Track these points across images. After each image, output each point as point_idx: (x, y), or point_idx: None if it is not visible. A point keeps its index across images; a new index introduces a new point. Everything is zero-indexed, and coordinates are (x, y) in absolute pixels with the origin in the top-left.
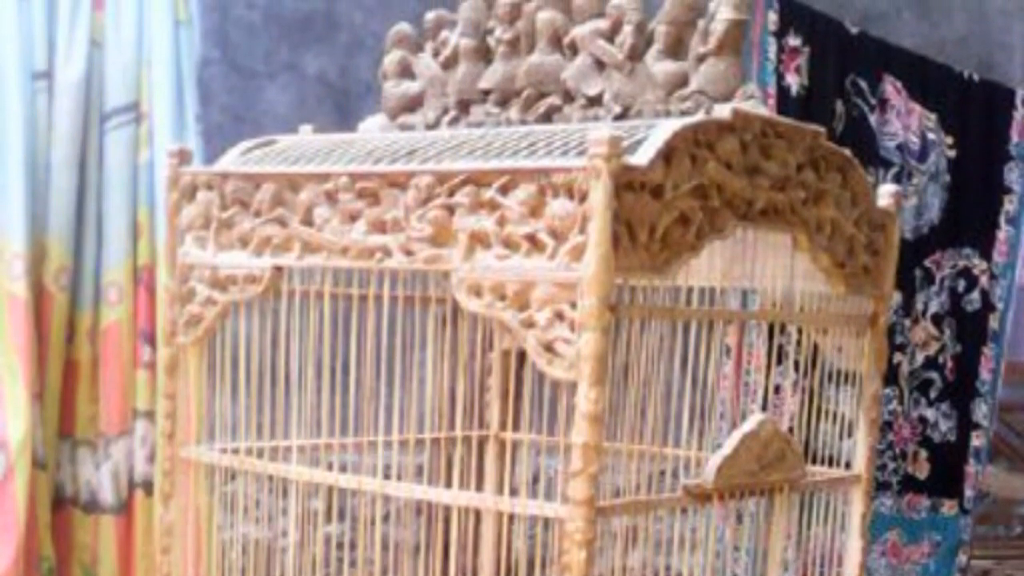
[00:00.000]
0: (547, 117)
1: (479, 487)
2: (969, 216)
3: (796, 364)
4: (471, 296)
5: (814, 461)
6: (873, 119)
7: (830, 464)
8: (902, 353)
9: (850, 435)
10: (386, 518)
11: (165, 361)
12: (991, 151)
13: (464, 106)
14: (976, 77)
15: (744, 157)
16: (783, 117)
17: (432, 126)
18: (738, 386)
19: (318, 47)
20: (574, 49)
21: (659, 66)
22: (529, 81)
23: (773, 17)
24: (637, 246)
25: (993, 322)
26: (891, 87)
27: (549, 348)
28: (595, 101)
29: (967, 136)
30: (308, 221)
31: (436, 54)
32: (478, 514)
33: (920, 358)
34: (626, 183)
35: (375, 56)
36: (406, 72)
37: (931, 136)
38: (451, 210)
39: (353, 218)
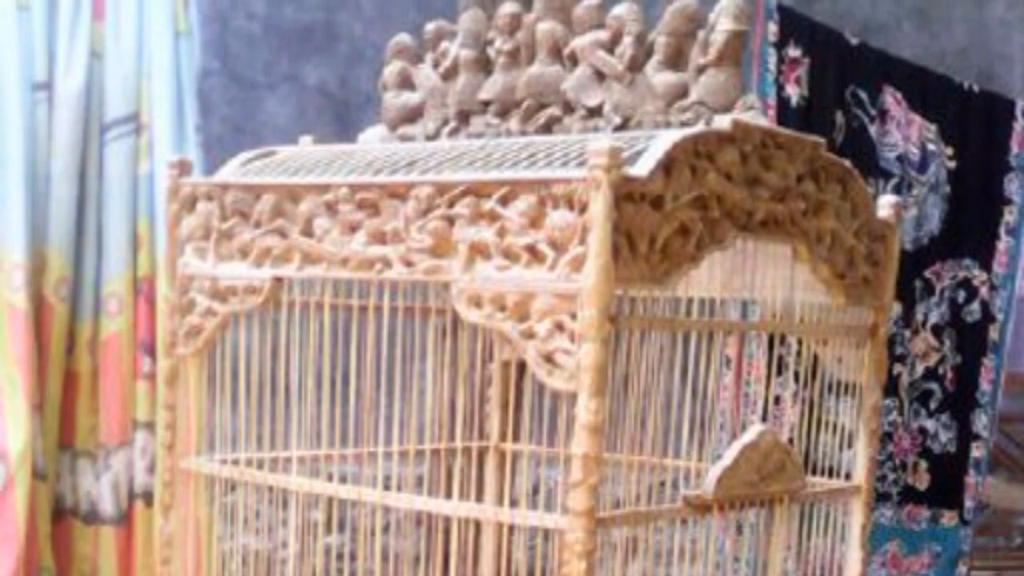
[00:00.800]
0: (547, 128)
1: (479, 498)
2: (969, 227)
3: (796, 375)
4: (471, 307)
5: (814, 472)
6: (873, 130)
7: (830, 475)
8: (902, 364)
9: (850, 446)
10: (386, 529)
11: (165, 372)
12: (991, 162)
13: (464, 117)
14: (976, 88)
15: (744, 168)
16: (783, 128)
17: (432, 137)
18: (738, 397)
19: (318, 58)
20: (574, 60)
21: (659, 77)
22: (529, 92)
23: (773, 28)
24: (637, 257)
25: (993, 333)
26: (891, 98)
27: (549, 359)
28: (595, 112)
29: (967, 147)
30: (308, 232)
31: (436, 65)
32: (478, 525)
33: (920, 369)
34: (626, 194)
35: (375, 67)
36: (406, 83)
37: (931, 147)
38: (451, 221)
39: (353, 229)
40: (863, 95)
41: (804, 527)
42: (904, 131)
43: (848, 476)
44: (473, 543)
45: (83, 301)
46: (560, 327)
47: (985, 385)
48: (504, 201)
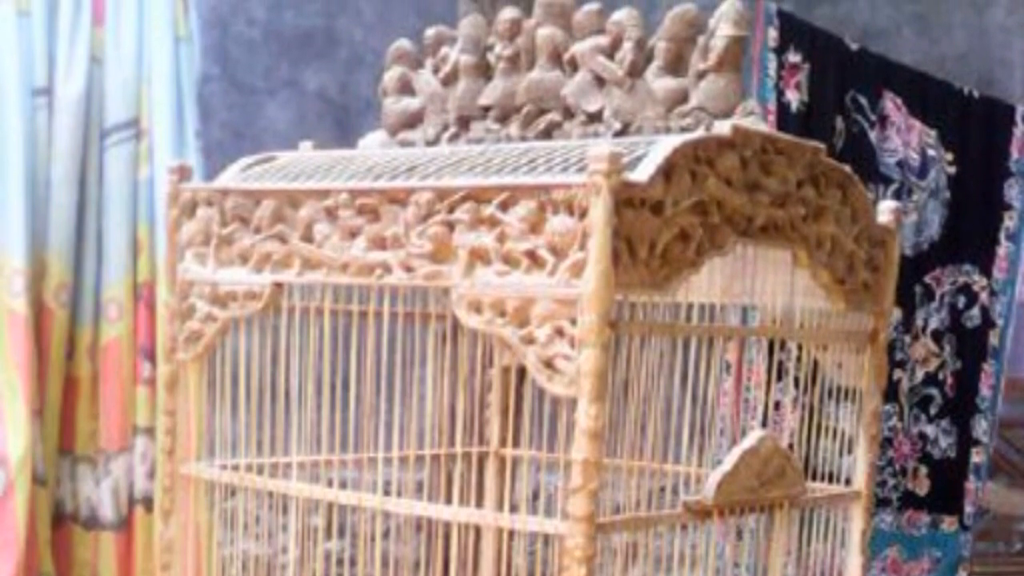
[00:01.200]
0: (547, 133)
1: (479, 503)
2: (969, 232)
3: (796, 380)
4: (471, 312)
5: (814, 477)
6: (873, 135)
7: (830, 480)
8: (902, 369)
9: (850, 451)
10: (386, 534)
11: (165, 377)
12: (991, 167)
13: (464, 122)
14: (976, 93)
15: (744, 173)
16: (783, 133)
17: (432, 142)
18: (738, 402)
19: (318, 63)
20: (574, 65)
21: (659, 82)
22: (529, 97)
23: (773, 33)
24: (637, 262)
25: (993, 338)
26: (891, 103)
27: (549, 364)
28: (595, 117)
29: (967, 152)
30: (308, 237)
31: (436, 70)
32: (478, 530)
33: (920, 374)
34: (626, 199)
35: (375, 72)
36: (406, 88)
37: (931, 152)
38: (451, 226)
39: (353, 234)
40: (863, 100)
41: (804, 533)
42: (904, 136)
43: (848, 481)
44: (473, 548)
45: (83, 306)
46: (560, 332)
47: (985, 390)
48: (504, 206)
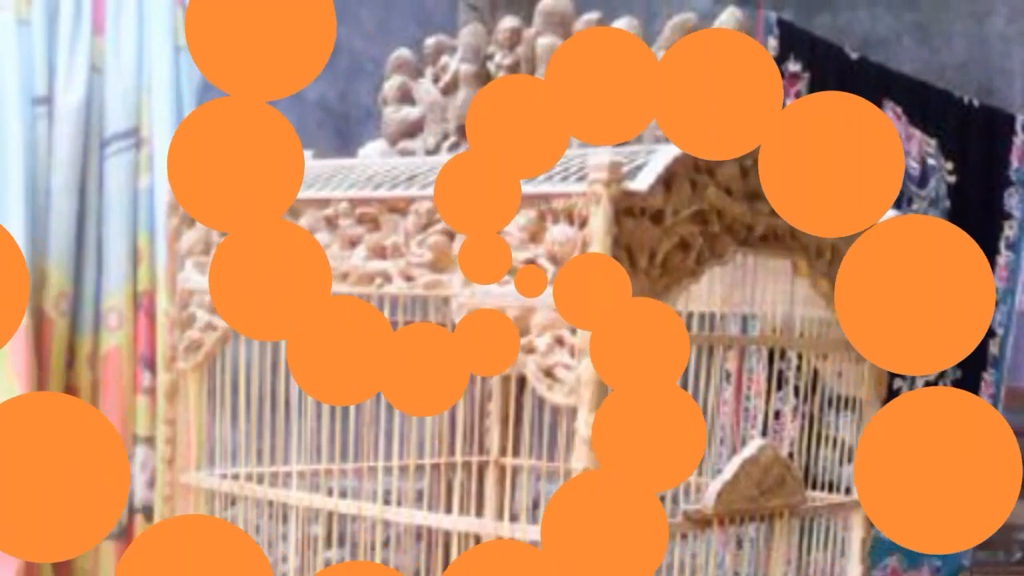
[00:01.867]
0: None
1: (479, 512)
2: None
3: (796, 389)
4: None
5: (814, 486)
6: None
7: (830, 490)
8: (902, 378)
9: (850, 460)
10: (386, 544)
11: (165, 387)
12: (991, 176)
13: (464, 132)
14: (976, 102)
15: (744, 183)
16: None
17: (432, 151)
18: (738, 411)
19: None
20: None
21: None
22: None
23: (773, 43)
24: (637, 271)
25: (993, 347)
26: (891, 112)
27: (549, 373)
28: None
29: (967, 161)
30: None
31: (436, 79)
32: (478, 540)
33: (920, 383)
34: (626, 208)
35: (375, 81)
36: (406, 97)
37: (931, 161)
38: (451, 235)
39: (353, 243)
40: None
41: (804, 542)
42: (904, 146)
43: (848, 491)
44: None
45: (83, 315)
46: (560, 341)
47: (985, 399)
48: None
